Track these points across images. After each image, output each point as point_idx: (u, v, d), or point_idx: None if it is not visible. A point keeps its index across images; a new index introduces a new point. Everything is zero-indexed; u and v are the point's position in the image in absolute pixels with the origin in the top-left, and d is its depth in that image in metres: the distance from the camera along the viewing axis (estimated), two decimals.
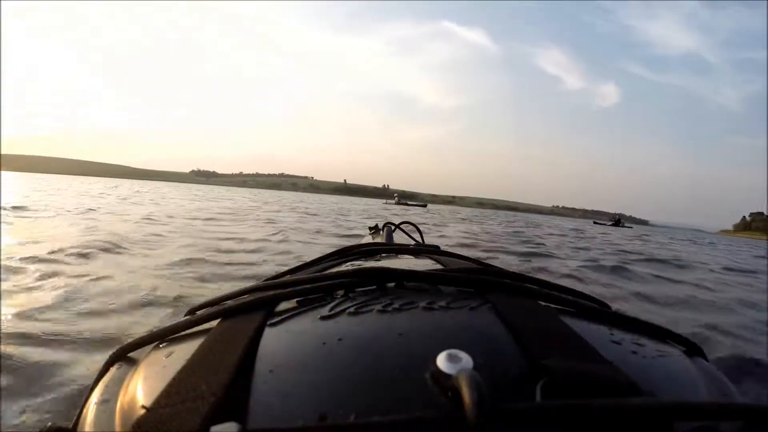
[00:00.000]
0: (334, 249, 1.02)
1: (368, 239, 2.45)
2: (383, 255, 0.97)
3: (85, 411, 0.42)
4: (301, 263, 0.94)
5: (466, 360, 0.32)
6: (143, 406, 0.36)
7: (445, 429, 0.26)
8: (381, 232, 2.35)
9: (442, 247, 1.15)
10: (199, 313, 0.56)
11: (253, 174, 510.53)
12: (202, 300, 0.65)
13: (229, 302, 0.55)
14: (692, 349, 0.51)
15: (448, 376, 0.31)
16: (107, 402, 0.42)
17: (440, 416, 0.27)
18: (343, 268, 0.81)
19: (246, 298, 0.54)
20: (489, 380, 0.28)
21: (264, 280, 0.70)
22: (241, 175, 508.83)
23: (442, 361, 0.33)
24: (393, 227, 2.16)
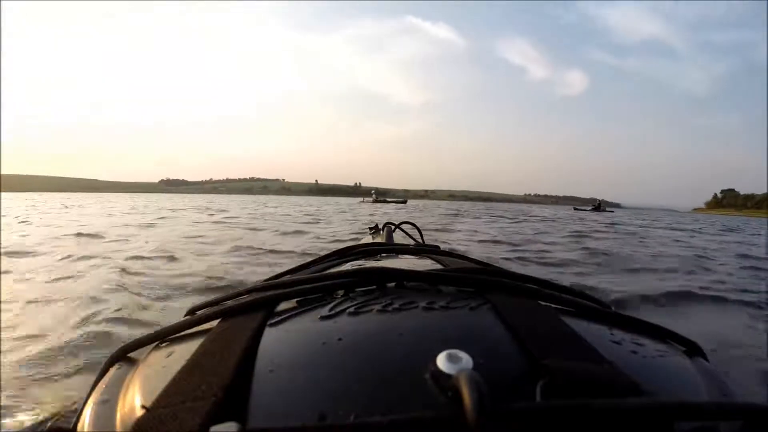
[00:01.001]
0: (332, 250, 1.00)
1: (368, 239, 2.37)
2: (383, 255, 0.97)
3: (85, 411, 0.42)
4: (301, 263, 0.95)
5: (466, 360, 0.33)
6: (143, 406, 0.36)
7: (445, 429, 0.26)
8: (381, 232, 2.33)
9: (442, 247, 1.17)
10: (199, 313, 0.56)
11: (223, 180, 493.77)
12: (202, 300, 0.65)
13: (229, 302, 0.55)
14: (692, 349, 0.51)
15: (448, 376, 0.31)
16: (107, 402, 0.42)
17: (440, 416, 0.27)
18: (343, 268, 0.81)
19: (246, 298, 0.55)
20: (489, 380, 0.28)
21: (264, 281, 0.70)
22: (211, 181, 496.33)
23: (442, 361, 0.33)
24: (393, 227, 2.13)
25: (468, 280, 0.54)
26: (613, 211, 53.06)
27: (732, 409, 0.30)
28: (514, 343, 0.40)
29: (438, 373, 0.32)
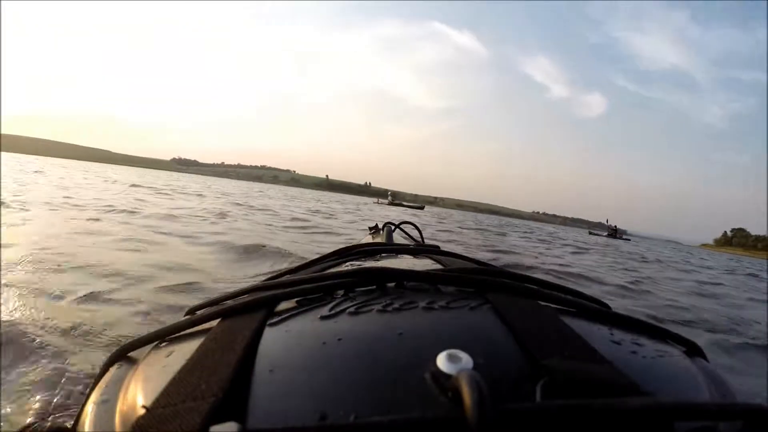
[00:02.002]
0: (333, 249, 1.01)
1: (368, 239, 2.35)
2: (383, 255, 0.97)
3: (85, 411, 0.42)
4: (301, 263, 0.93)
5: (466, 360, 0.33)
6: (143, 406, 0.36)
7: (446, 429, 0.26)
8: (381, 232, 2.30)
9: (442, 247, 1.15)
10: (199, 313, 0.56)
11: (235, 165, 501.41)
12: (202, 300, 0.64)
13: (229, 302, 0.55)
14: (692, 349, 0.51)
15: (448, 376, 0.31)
16: (107, 402, 0.42)
17: (440, 416, 0.27)
18: (343, 268, 0.81)
19: (246, 298, 0.54)
20: (489, 380, 0.28)
21: (264, 280, 0.70)
22: (223, 165, 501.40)
23: (442, 361, 0.33)
24: (393, 227, 2.07)
25: (468, 280, 0.54)
26: (629, 239, 51.33)
27: (732, 410, 0.31)
28: (514, 343, 0.40)
29: (438, 373, 0.32)
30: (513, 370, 0.36)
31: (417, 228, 2.46)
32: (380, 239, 2.00)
